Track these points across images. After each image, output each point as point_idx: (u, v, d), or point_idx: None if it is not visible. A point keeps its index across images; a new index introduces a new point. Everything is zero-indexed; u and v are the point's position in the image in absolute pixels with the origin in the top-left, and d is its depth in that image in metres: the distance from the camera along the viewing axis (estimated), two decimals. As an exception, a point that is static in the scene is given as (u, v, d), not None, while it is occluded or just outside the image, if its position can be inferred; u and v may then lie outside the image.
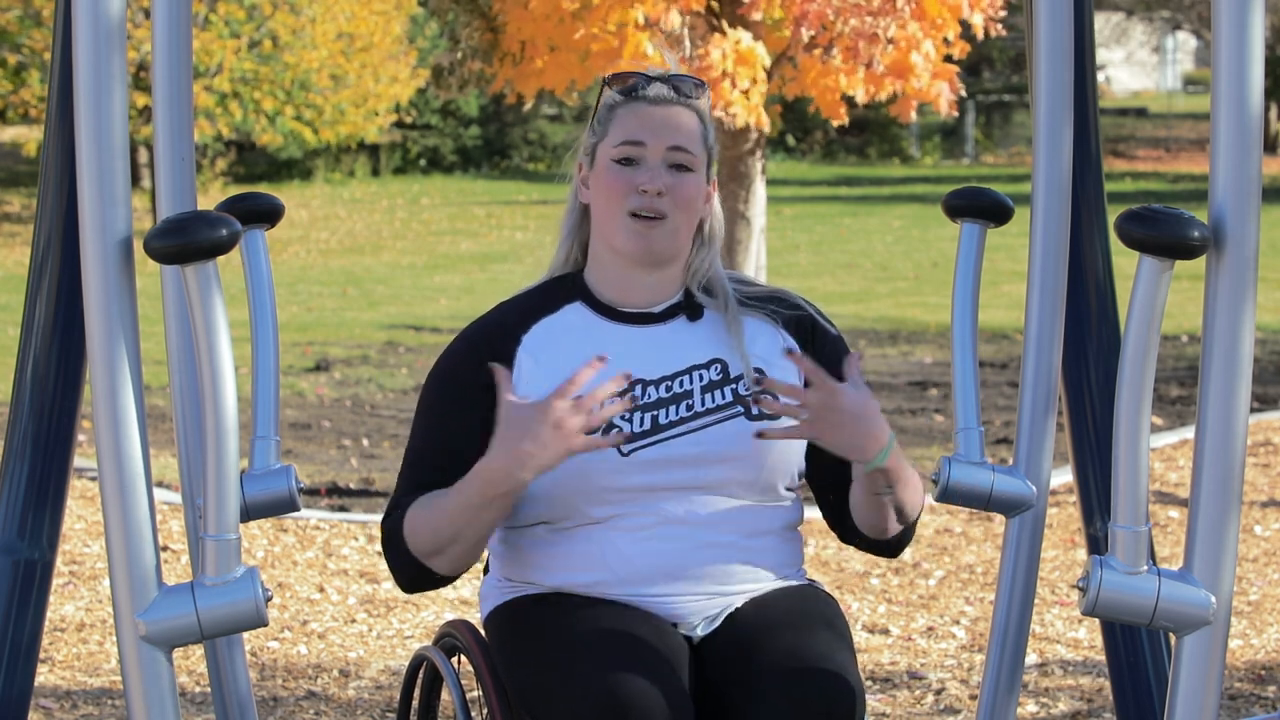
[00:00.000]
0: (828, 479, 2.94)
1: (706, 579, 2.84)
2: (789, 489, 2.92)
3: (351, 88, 23.05)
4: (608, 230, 2.87)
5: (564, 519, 2.84)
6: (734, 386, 2.87)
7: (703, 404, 2.86)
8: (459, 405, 2.86)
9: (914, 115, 8.60)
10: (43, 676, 4.87)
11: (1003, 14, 8.17)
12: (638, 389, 2.85)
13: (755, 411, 2.85)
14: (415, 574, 2.82)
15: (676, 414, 2.84)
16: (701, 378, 2.88)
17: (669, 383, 2.87)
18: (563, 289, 2.94)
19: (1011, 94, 34.30)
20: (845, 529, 2.97)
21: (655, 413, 2.84)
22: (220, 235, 2.43)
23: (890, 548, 2.94)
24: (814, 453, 2.92)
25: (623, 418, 2.82)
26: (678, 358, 2.88)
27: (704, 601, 2.84)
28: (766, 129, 8.58)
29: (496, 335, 2.89)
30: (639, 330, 2.90)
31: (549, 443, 2.65)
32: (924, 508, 2.90)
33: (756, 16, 8.24)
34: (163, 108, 2.94)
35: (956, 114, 8.68)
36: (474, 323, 2.95)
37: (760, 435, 2.77)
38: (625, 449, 2.81)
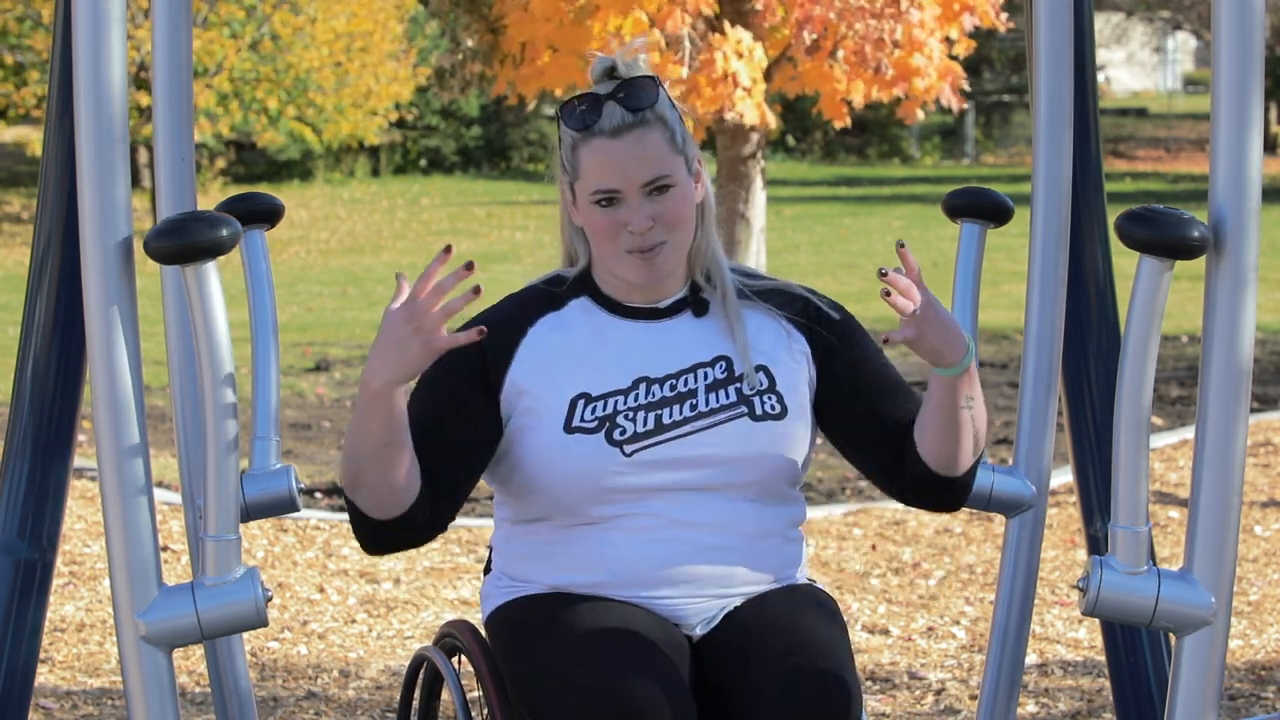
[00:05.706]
0: (869, 432, 2.87)
1: (708, 582, 2.83)
2: (792, 487, 2.91)
3: (351, 87, 23.05)
4: (608, 262, 2.84)
5: (566, 517, 2.84)
6: (738, 385, 2.86)
7: (707, 404, 2.84)
8: (454, 384, 2.82)
9: (920, 115, 8.60)
10: (43, 676, 4.87)
11: (1004, 15, 8.18)
12: (641, 387, 2.85)
13: (759, 412, 2.85)
14: (357, 521, 2.73)
15: (680, 414, 2.83)
16: (706, 376, 2.87)
17: (674, 381, 2.86)
18: (569, 285, 2.93)
19: (1011, 94, 34.29)
20: (904, 478, 2.85)
21: (659, 412, 2.83)
22: (220, 235, 2.43)
23: (955, 491, 2.83)
24: (847, 412, 2.87)
25: (627, 417, 2.82)
26: (683, 355, 2.87)
27: (705, 603, 2.84)
28: (771, 125, 8.57)
29: (502, 325, 2.88)
30: (644, 326, 2.89)
31: (409, 343, 2.59)
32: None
33: (773, 22, 8.23)
34: (163, 108, 2.94)
35: (965, 107, 8.67)
36: (481, 313, 2.92)
37: (885, 340, 2.70)
38: (628, 449, 2.81)
